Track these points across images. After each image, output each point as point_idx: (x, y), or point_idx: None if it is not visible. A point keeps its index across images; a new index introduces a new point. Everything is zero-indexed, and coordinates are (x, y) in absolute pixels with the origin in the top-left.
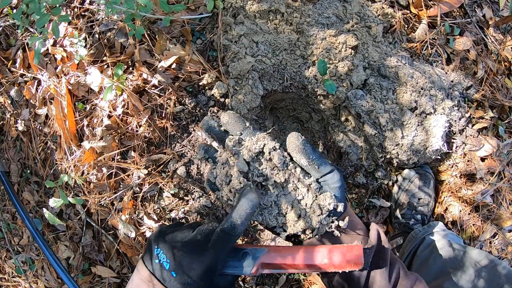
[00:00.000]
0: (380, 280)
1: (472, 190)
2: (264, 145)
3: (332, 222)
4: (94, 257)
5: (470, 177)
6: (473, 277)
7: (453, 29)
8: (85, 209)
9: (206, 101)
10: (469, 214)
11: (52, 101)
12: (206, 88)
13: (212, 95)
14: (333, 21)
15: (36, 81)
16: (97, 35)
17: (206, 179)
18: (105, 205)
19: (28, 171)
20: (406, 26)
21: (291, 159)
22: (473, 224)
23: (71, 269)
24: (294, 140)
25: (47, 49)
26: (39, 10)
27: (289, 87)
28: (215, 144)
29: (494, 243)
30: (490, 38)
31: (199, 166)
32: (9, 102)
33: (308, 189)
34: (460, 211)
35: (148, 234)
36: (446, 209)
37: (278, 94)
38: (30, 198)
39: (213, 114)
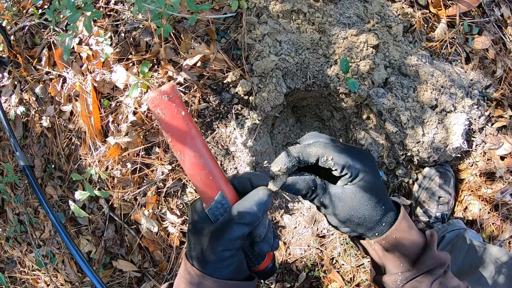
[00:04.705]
0: None
1: (492, 188)
2: None
3: None
4: (116, 251)
5: (490, 176)
6: (494, 273)
7: (472, 28)
8: (109, 203)
9: (230, 99)
10: (488, 213)
11: (77, 98)
12: (230, 86)
13: (236, 92)
14: (354, 20)
15: (61, 79)
16: (122, 34)
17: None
18: (128, 200)
19: (52, 166)
20: (426, 25)
21: None
22: (493, 223)
23: (92, 263)
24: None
25: (73, 48)
26: (72, 6)
27: (311, 86)
28: None
29: None
30: (508, 37)
31: (222, 163)
32: (34, 99)
33: None
34: (480, 209)
35: (170, 229)
36: (466, 207)
37: (300, 93)
38: (53, 192)
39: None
